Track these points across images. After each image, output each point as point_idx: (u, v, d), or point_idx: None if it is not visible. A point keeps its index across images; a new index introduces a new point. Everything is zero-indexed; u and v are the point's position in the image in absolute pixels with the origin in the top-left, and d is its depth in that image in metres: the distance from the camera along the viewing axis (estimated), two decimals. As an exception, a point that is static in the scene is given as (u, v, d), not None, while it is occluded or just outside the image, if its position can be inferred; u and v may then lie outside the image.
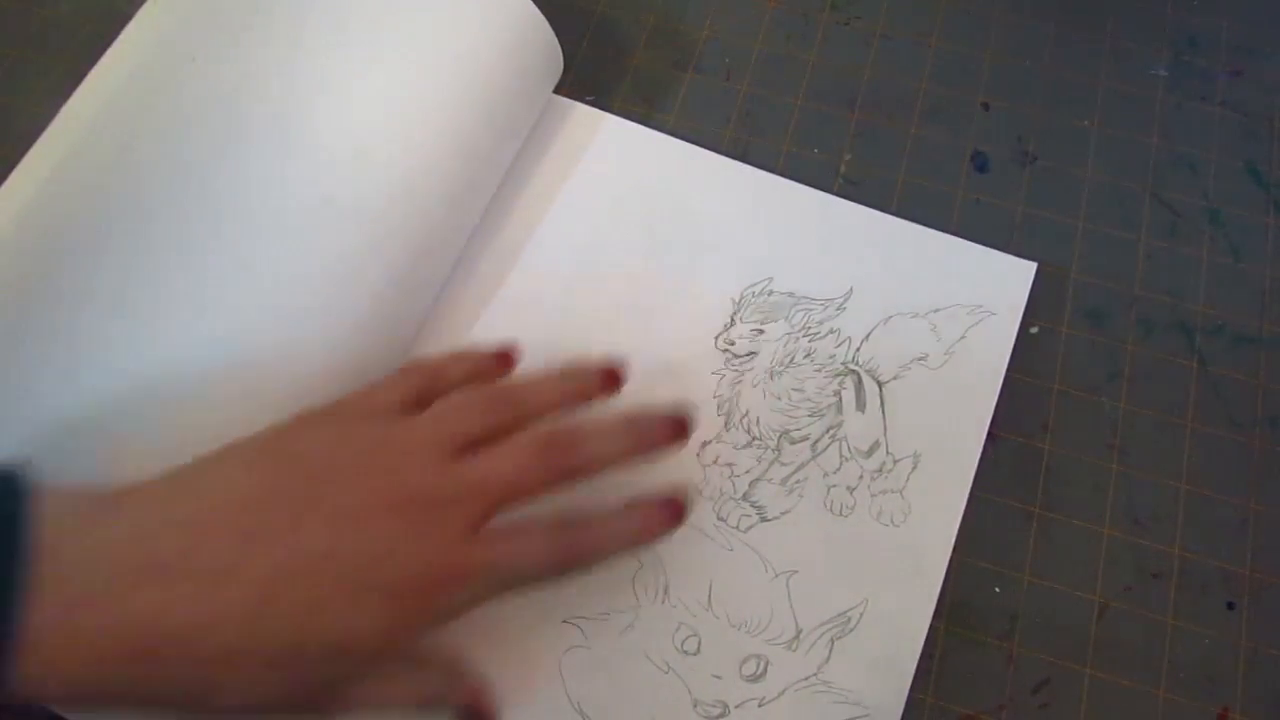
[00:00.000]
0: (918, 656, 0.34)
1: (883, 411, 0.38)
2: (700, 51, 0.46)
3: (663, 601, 0.35)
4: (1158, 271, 0.41)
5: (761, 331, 0.40)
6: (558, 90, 0.43)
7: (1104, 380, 0.39)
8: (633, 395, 0.38)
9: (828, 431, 0.38)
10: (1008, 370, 0.38)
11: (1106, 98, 0.44)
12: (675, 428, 0.33)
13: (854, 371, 0.39)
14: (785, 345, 0.39)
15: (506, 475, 0.30)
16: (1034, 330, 0.40)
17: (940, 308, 0.40)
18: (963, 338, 0.39)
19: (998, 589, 0.36)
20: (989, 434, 0.37)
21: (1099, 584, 0.36)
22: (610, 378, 0.34)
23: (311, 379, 0.35)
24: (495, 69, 0.39)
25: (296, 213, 0.37)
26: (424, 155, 0.38)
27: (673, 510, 0.32)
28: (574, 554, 0.31)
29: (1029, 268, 0.40)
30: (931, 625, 0.35)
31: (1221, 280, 0.41)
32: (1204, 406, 0.38)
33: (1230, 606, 0.35)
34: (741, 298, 0.40)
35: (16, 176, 0.39)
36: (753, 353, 0.39)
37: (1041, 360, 0.39)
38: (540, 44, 0.41)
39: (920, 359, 0.39)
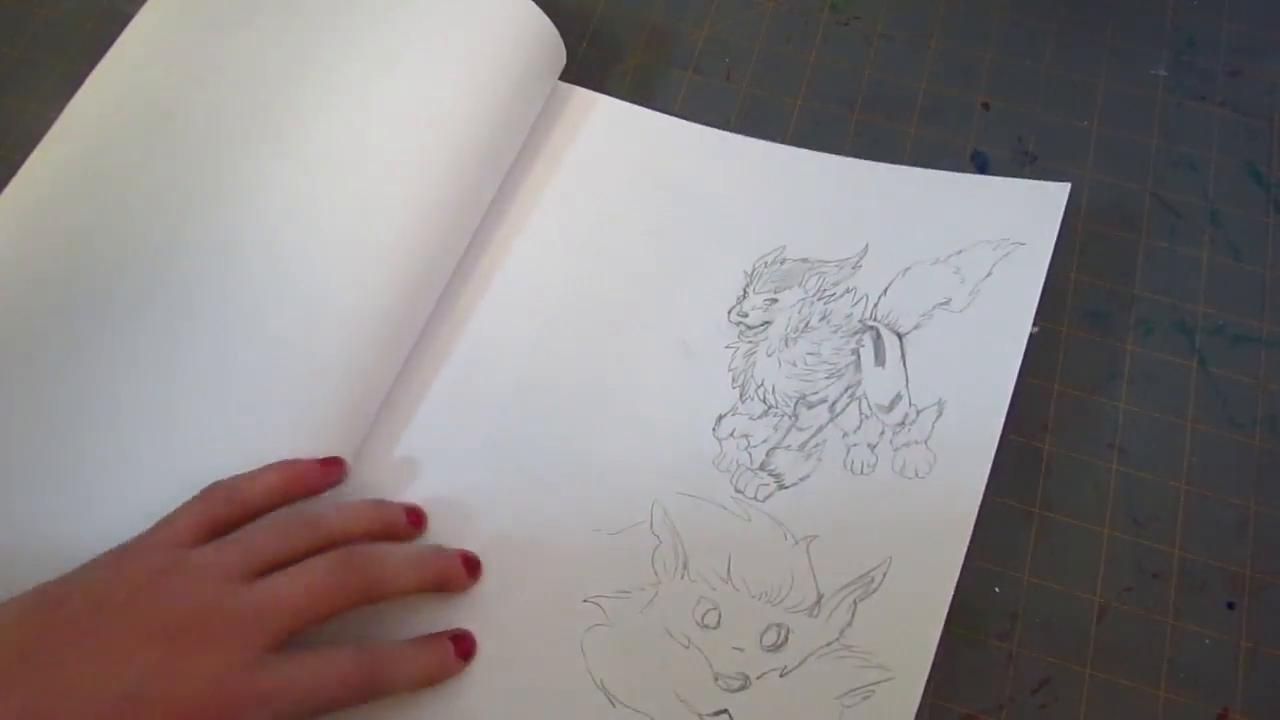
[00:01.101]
0: (946, 610, 0.34)
1: (904, 364, 0.37)
2: (700, 51, 0.46)
3: (682, 577, 0.35)
4: (1158, 271, 0.41)
5: (775, 300, 0.39)
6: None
7: (1104, 380, 0.39)
8: (645, 377, 0.39)
9: (846, 391, 0.37)
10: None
11: (1106, 98, 0.44)
12: (469, 571, 0.35)
13: (872, 327, 0.38)
14: (800, 310, 0.39)
15: (298, 596, 0.29)
16: (1034, 330, 0.40)
17: (963, 249, 0.39)
18: (989, 275, 0.38)
19: (998, 589, 0.36)
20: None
21: (1099, 584, 0.36)
22: (415, 517, 0.35)
23: (326, 375, 0.36)
24: (498, 69, 0.40)
25: (301, 214, 0.37)
26: (430, 157, 0.38)
27: (463, 648, 0.33)
28: (370, 685, 0.30)
29: (1061, 190, 0.38)
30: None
31: (1221, 280, 0.40)
32: (1204, 406, 0.38)
33: (1230, 606, 0.35)
34: (754, 269, 0.40)
35: (17, 185, 0.39)
36: (767, 322, 0.39)
37: (1041, 360, 0.39)
38: (542, 40, 0.41)
39: (943, 304, 0.38)
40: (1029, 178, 0.42)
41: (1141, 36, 0.45)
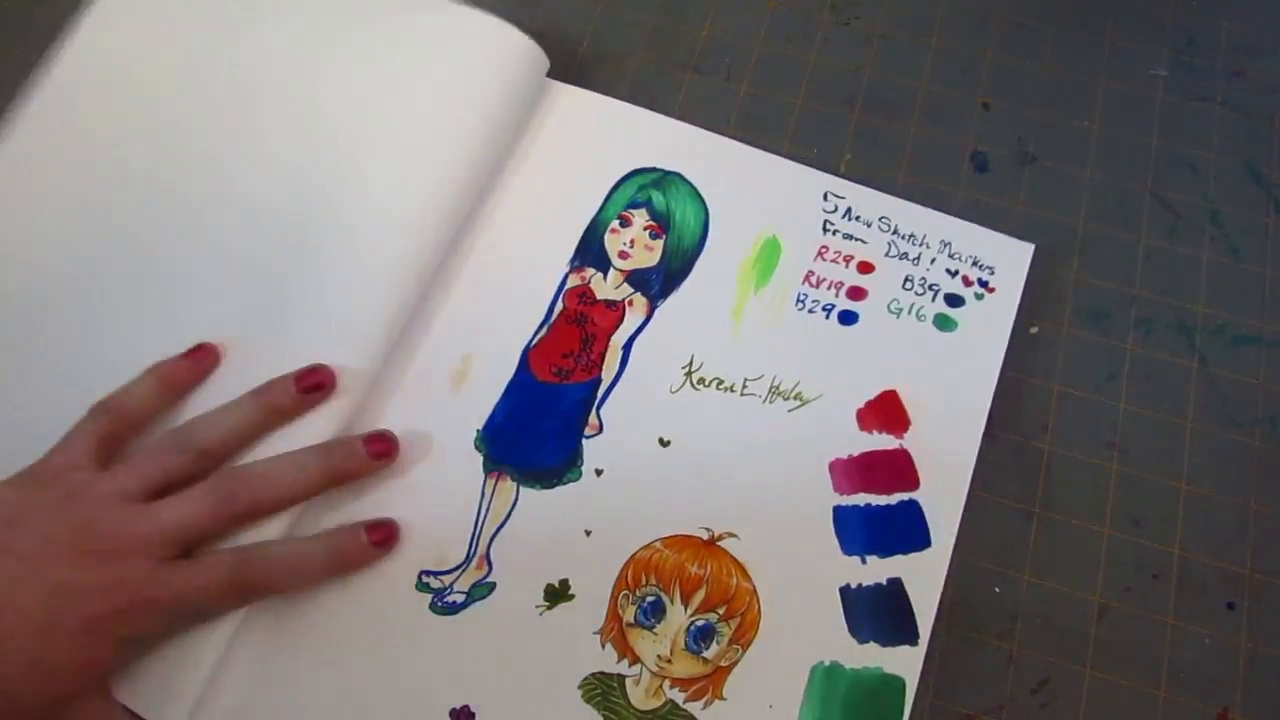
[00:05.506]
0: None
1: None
2: (700, 51, 0.46)
3: None
4: (1158, 271, 0.41)
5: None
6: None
7: (1104, 380, 0.39)
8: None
9: None
10: (1009, 371, 0.38)
11: (1106, 98, 0.44)
12: (380, 450, 0.35)
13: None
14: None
15: (180, 522, 0.32)
16: (1034, 330, 0.40)
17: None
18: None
19: (998, 589, 0.36)
20: (988, 434, 0.37)
21: (1099, 584, 0.36)
22: (306, 382, 0.35)
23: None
24: (476, 97, 0.40)
25: (288, 233, 0.38)
26: (409, 193, 0.39)
27: (377, 535, 0.35)
28: (246, 588, 0.33)
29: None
30: (932, 625, 0.35)
31: (1221, 280, 0.40)
32: (1204, 406, 0.38)
33: (1230, 606, 0.35)
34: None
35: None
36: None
37: (1041, 360, 0.39)
38: (519, 56, 0.41)
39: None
40: (1029, 177, 0.42)
41: (1141, 36, 0.45)
